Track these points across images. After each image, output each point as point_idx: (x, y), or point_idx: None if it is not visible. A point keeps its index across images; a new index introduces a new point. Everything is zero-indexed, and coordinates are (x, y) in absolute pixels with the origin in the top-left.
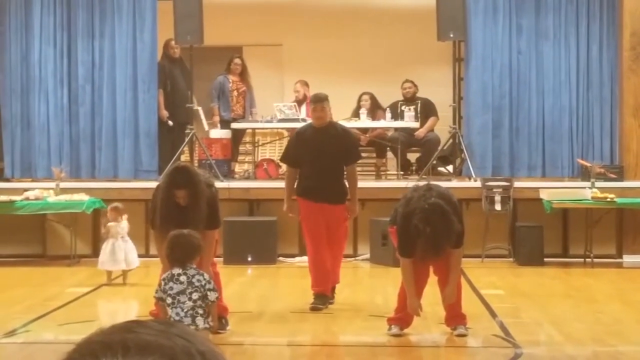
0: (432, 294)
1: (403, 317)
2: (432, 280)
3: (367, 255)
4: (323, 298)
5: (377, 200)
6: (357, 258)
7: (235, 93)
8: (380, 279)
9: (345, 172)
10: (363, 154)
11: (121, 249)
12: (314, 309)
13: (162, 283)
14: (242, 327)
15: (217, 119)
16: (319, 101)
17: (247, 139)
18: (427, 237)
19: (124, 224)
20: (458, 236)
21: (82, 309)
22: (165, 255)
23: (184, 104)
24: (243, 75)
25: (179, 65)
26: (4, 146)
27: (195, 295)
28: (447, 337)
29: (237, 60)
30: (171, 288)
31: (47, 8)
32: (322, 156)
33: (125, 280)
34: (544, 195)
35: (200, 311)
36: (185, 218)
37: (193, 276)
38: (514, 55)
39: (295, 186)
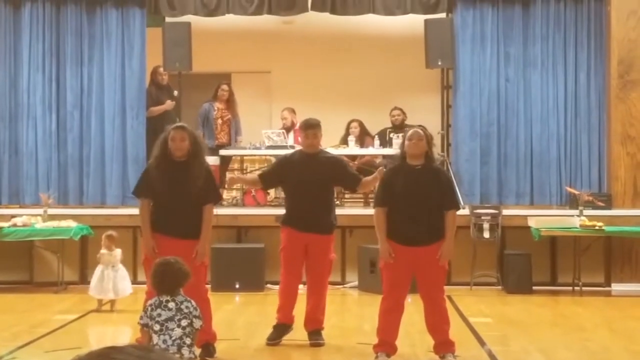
0: (419, 321)
1: (386, 340)
2: (420, 308)
3: (356, 283)
4: (282, 329)
5: (365, 228)
6: (345, 285)
7: (219, 121)
8: (368, 307)
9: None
10: None
11: (110, 278)
12: (271, 344)
13: (149, 309)
14: (230, 354)
15: None
16: (311, 127)
17: (235, 165)
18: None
19: (116, 253)
20: (452, 195)
21: (69, 336)
22: (152, 284)
23: None
24: (230, 102)
25: (166, 92)
26: None
27: (184, 322)
28: None
29: (225, 87)
30: (159, 315)
31: (35, 34)
32: (310, 183)
33: (112, 308)
34: (532, 223)
35: (188, 341)
36: (182, 175)
37: (181, 303)
38: (502, 83)
39: (283, 215)
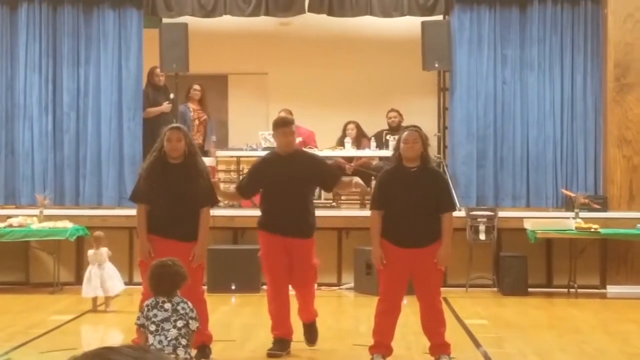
0: (415, 323)
1: (382, 342)
2: (416, 309)
3: (351, 285)
4: (283, 343)
5: (361, 229)
6: (341, 287)
7: (196, 122)
8: (364, 308)
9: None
10: None
11: (97, 275)
12: (272, 355)
13: (145, 309)
14: (226, 355)
15: None
16: (283, 125)
17: (232, 167)
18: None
19: (102, 251)
20: (448, 197)
21: (64, 336)
22: (149, 286)
23: None
24: (202, 102)
25: (163, 93)
26: None
27: (180, 323)
28: None
29: (196, 87)
30: (155, 315)
31: (32, 35)
32: (287, 184)
33: (107, 307)
34: (528, 225)
35: (183, 341)
36: (178, 177)
37: (178, 304)
38: (499, 85)
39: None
